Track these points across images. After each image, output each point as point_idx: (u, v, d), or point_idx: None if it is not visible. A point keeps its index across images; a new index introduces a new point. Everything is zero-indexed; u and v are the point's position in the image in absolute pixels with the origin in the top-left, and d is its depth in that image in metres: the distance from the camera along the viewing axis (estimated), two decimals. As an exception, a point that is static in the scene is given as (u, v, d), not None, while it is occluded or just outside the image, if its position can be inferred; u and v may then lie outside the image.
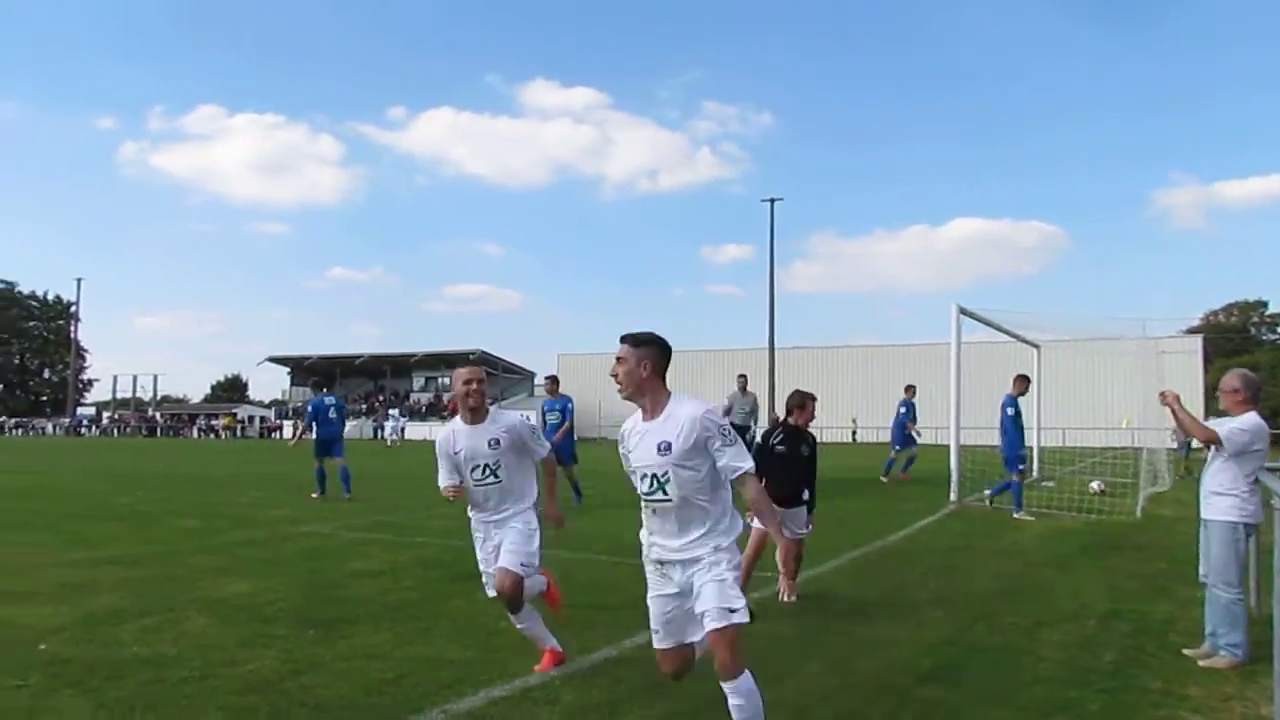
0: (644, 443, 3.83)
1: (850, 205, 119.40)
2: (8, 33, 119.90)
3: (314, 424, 15.99)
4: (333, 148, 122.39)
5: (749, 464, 3.75)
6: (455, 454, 5.05)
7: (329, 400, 16.18)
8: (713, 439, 3.73)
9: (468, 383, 5.05)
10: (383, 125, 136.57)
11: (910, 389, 19.87)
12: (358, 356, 78.38)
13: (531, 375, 74.28)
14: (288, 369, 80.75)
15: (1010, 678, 5.14)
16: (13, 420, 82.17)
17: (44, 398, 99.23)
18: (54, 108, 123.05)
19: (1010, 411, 13.05)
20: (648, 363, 3.85)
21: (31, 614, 6.34)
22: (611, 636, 5.74)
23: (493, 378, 74.52)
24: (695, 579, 3.73)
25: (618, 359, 3.88)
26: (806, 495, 7.06)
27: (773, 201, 51.57)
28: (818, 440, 7.32)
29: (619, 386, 3.88)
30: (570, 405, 14.43)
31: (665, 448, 3.76)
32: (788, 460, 6.80)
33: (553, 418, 14.34)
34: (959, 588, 7.83)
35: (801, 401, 7.07)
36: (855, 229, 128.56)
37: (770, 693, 4.79)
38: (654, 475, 3.79)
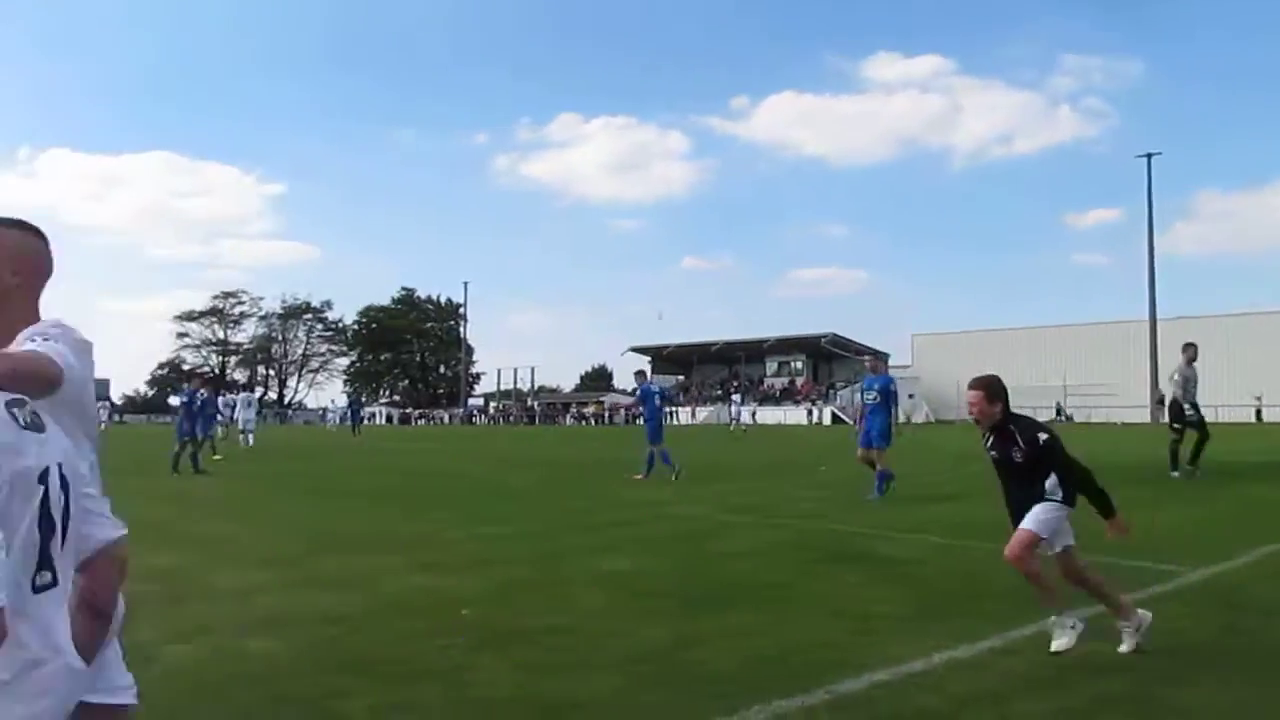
0: None
1: (1238, 156, 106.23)
2: (406, 70, 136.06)
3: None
4: (680, 142, 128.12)
5: (114, 533, 1.82)
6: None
7: (653, 388, 17.27)
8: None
9: None
10: (727, 116, 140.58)
11: None
12: (713, 344, 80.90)
13: (886, 357, 73.14)
14: (649, 358, 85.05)
15: None
16: (417, 411, 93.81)
17: (441, 390, 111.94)
18: (441, 128, 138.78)
19: None
20: None
21: (451, 583, 7.11)
22: (997, 626, 5.46)
23: (844, 360, 74.13)
24: None
25: None
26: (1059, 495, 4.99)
27: (1149, 157, 47.01)
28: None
29: None
30: (893, 385, 12.97)
31: None
32: (1002, 467, 5.27)
33: (870, 397, 13.09)
34: None
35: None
36: (1246, 182, 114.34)
37: (1167, 697, 4.33)
38: None
